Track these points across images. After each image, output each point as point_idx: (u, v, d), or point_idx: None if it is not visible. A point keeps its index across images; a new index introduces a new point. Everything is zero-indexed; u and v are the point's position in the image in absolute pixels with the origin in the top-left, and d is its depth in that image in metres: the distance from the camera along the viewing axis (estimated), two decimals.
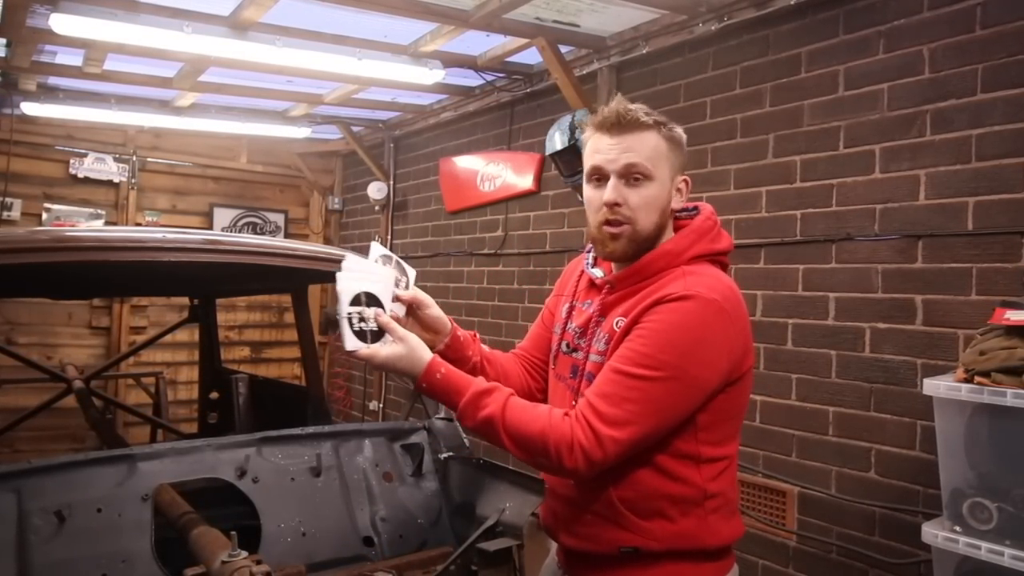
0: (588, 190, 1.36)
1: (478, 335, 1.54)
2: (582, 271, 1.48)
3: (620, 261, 1.36)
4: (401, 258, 1.45)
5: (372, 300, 1.33)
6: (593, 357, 1.34)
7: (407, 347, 1.30)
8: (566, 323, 1.46)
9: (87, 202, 5.34)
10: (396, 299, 1.38)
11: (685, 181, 1.37)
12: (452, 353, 1.44)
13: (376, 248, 1.40)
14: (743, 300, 1.33)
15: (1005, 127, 2.22)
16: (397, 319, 1.36)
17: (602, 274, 1.42)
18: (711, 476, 1.31)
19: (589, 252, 1.48)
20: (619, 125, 1.30)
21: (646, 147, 1.30)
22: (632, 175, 1.30)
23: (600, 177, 1.33)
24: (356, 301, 1.33)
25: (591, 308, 1.39)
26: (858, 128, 2.58)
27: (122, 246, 2.04)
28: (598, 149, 1.33)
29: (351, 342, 1.30)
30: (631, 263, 1.34)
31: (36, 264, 1.95)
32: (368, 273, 1.36)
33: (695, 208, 1.42)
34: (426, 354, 1.30)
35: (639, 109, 1.31)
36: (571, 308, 1.46)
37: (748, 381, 1.34)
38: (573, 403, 1.33)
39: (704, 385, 1.24)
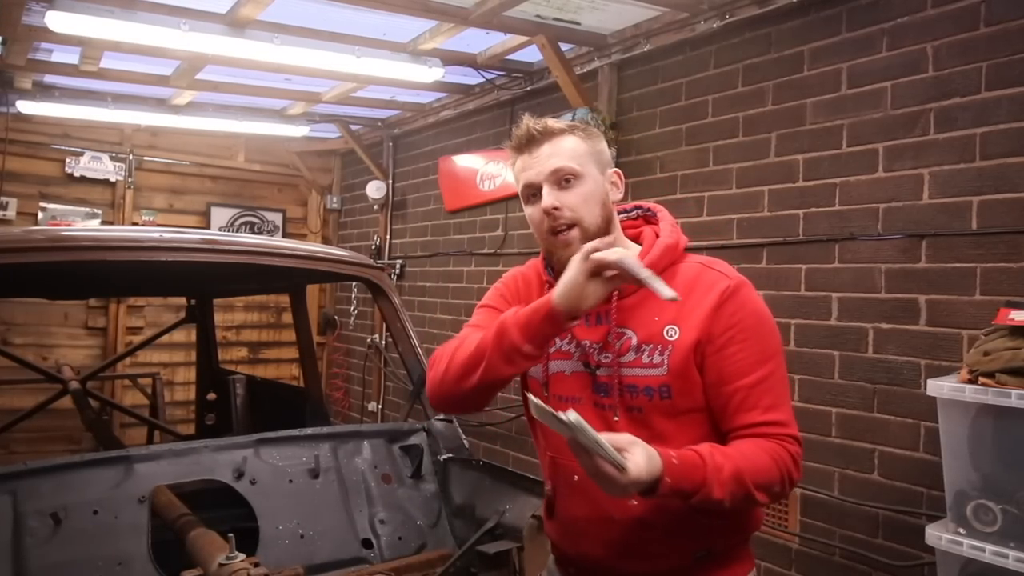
0: (528, 210, 1.35)
1: None
2: (550, 286, 1.34)
3: None
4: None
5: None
6: (644, 372, 1.26)
7: (641, 446, 1.11)
8: (550, 344, 1.33)
9: (83, 201, 5.32)
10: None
11: (617, 174, 1.38)
12: (559, 331, 1.27)
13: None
14: None
15: (1010, 125, 2.21)
16: None
17: None
18: None
19: (548, 267, 1.41)
20: (534, 139, 1.32)
21: (566, 149, 1.31)
22: (562, 178, 1.30)
23: (535, 192, 1.32)
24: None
25: (601, 321, 1.31)
26: (861, 127, 2.57)
27: (119, 246, 2.05)
28: (523, 168, 1.34)
29: (624, 462, 1.07)
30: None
31: (32, 264, 1.96)
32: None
33: (642, 208, 1.43)
34: (649, 447, 1.12)
35: (547, 119, 1.34)
36: None
37: None
38: (615, 419, 1.27)
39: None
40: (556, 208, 1.29)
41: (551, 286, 1.33)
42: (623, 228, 1.40)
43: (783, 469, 1.20)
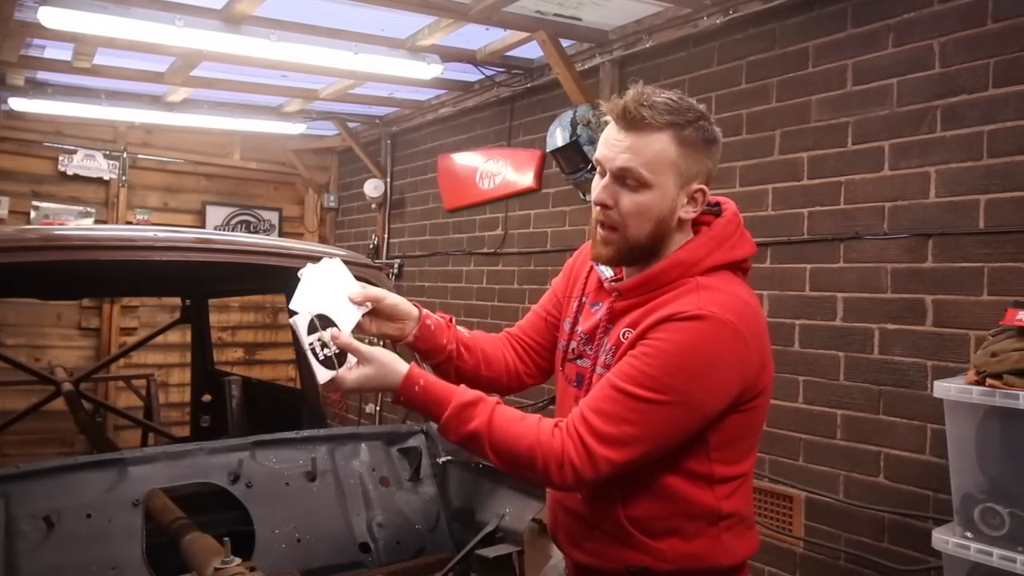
0: (595, 180, 1.26)
1: (454, 320, 1.43)
2: (592, 267, 1.39)
3: (609, 266, 1.32)
4: (342, 258, 1.37)
5: (326, 321, 1.26)
6: (599, 369, 1.27)
7: (375, 365, 1.22)
8: (575, 323, 1.39)
9: (76, 200, 5.29)
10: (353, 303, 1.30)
11: (702, 191, 1.23)
12: (423, 343, 1.35)
13: (310, 270, 1.30)
14: (761, 313, 1.26)
15: (1017, 123, 2.19)
16: (362, 327, 1.29)
17: (610, 274, 1.34)
18: (725, 495, 1.24)
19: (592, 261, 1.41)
20: (626, 119, 1.18)
21: (649, 151, 1.18)
22: (627, 179, 1.20)
23: (602, 171, 1.24)
24: (312, 328, 1.24)
25: (599, 314, 1.31)
26: (867, 124, 2.55)
27: (112, 245, 2.04)
28: (605, 140, 1.23)
29: (322, 374, 1.23)
30: (639, 269, 1.27)
31: (24, 263, 1.95)
32: (314, 293, 1.28)
33: (718, 204, 1.31)
34: (400, 367, 1.22)
35: (656, 105, 1.17)
36: (580, 306, 1.38)
37: (766, 397, 1.26)
38: None
39: (709, 411, 1.17)
40: (606, 206, 1.22)
41: (591, 268, 1.38)
42: (696, 223, 1.29)
43: (537, 457, 1.15)
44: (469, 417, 1.19)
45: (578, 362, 1.33)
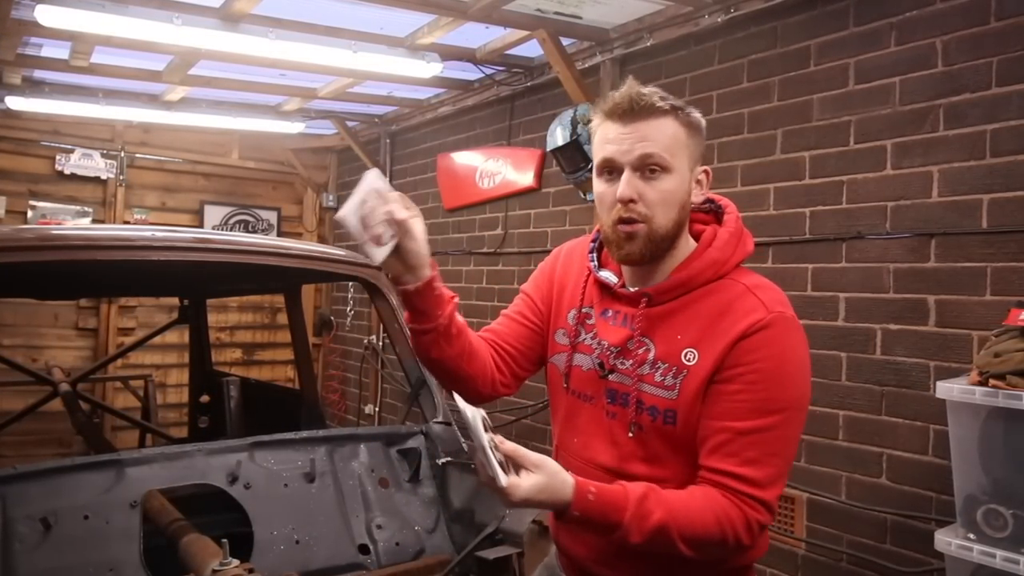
0: (599, 185, 1.23)
1: (457, 300, 1.28)
2: (589, 272, 1.33)
3: (636, 264, 1.24)
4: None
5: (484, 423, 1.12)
6: (653, 390, 1.20)
7: (546, 473, 1.10)
8: (577, 334, 1.31)
9: (74, 199, 5.26)
10: (390, 220, 1.12)
11: (706, 172, 1.26)
12: (420, 301, 1.19)
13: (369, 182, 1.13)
14: None
15: (1020, 122, 2.18)
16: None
17: (615, 279, 1.29)
18: None
19: (592, 252, 1.35)
20: (632, 112, 1.17)
21: (663, 135, 1.17)
22: (648, 167, 1.17)
23: (612, 170, 1.20)
24: (485, 426, 1.10)
25: (626, 324, 1.25)
26: (869, 123, 2.53)
27: (110, 245, 2.04)
28: (609, 139, 1.20)
29: (503, 478, 1.07)
30: (648, 270, 1.25)
31: (21, 263, 1.95)
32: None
33: (712, 202, 1.31)
34: (568, 476, 1.12)
35: (654, 93, 1.19)
36: (581, 317, 1.31)
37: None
38: (629, 435, 1.22)
39: (808, 404, 1.23)
40: (632, 201, 1.18)
41: (589, 275, 1.33)
42: (691, 222, 1.29)
43: (727, 531, 1.12)
44: (649, 511, 1.11)
45: (611, 377, 1.25)
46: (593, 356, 1.28)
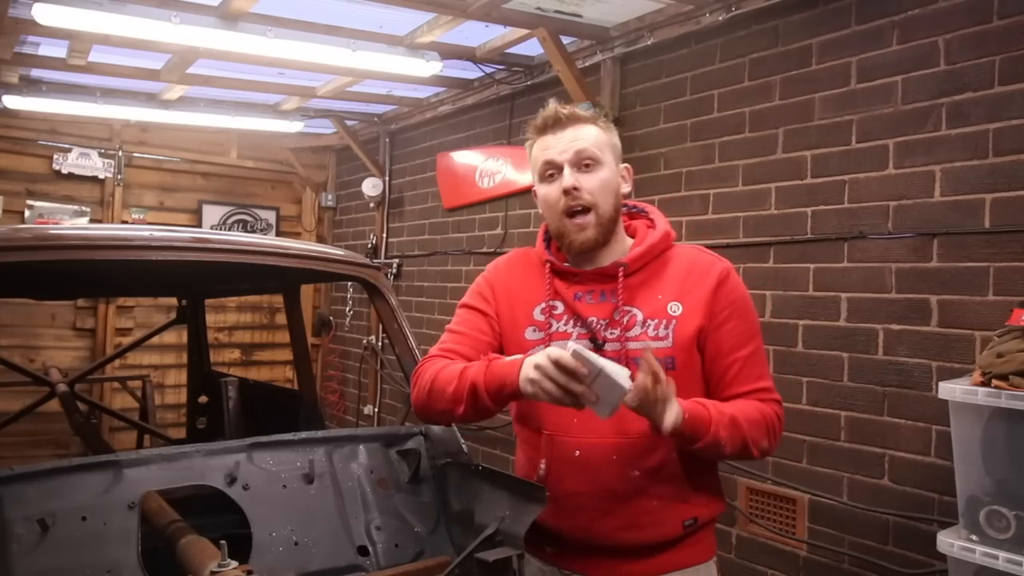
0: (543, 188, 1.44)
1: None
2: (547, 272, 1.48)
3: (591, 249, 1.43)
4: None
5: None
6: (649, 344, 1.36)
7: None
8: (548, 326, 1.43)
9: (71, 199, 5.25)
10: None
11: (628, 169, 1.49)
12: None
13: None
14: None
15: (1023, 121, 2.17)
16: None
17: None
18: None
19: (548, 260, 1.48)
20: (561, 122, 1.41)
21: (590, 136, 1.41)
22: (583, 162, 1.39)
23: (554, 172, 1.41)
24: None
25: (606, 299, 1.42)
26: (871, 122, 2.53)
27: (107, 245, 2.02)
28: (546, 147, 1.42)
29: (626, 381, 1.19)
30: (593, 256, 1.43)
31: (18, 263, 1.93)
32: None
33: (636, 207, 1.55)
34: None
35: (575, 106, 1.46)
36: (548, 309, 1.44)
37: None
38: None
39: None
40: (576, 188, 1.38)
41: (552, 267, 1.47)
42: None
43: (770, 425, 1.38)
44: (722, 411, 1.33)
45: (606, 348, 1.39)
46: (574, 338, 1.41)
